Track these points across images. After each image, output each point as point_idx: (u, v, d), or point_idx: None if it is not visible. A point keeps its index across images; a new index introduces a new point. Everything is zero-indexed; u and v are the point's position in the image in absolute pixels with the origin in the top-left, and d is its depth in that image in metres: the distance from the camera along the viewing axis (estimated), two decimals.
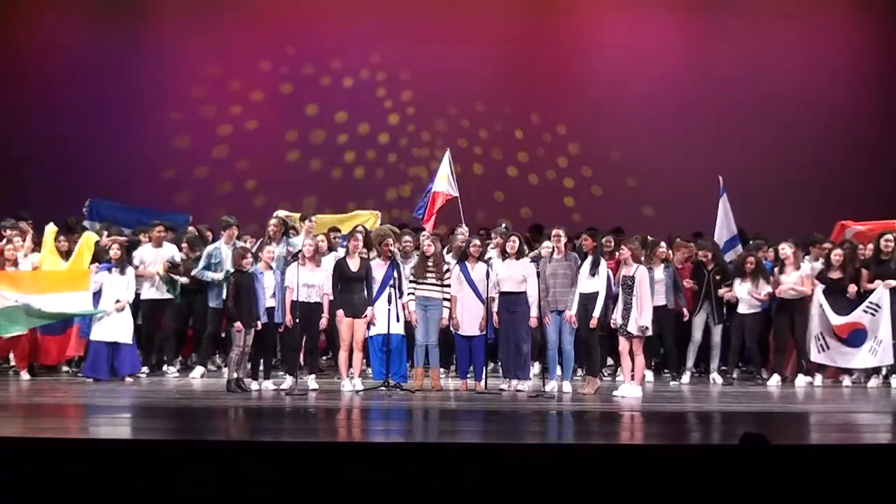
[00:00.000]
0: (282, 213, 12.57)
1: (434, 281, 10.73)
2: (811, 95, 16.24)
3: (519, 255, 10.67)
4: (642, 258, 10.80)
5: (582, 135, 16.52)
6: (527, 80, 16.42)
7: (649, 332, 10.37)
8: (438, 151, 16.30)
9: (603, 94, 16.43)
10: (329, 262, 10.96)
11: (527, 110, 16.57)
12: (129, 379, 11.04)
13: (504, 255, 10.76)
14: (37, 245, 11.64)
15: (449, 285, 10.71)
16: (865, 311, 11.16)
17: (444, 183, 12.52)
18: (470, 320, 10.62)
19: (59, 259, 11.46)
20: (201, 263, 11.40)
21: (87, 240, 11.49)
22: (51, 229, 11.48)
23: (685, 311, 11.49)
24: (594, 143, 16.46)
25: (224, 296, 11.09)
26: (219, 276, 11.24)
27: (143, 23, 16.14)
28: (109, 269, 11.16)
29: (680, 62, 16.38)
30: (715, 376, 11.62)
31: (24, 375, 11.24)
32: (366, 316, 10.57)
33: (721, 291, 11.47)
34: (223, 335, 11.47)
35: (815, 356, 11.32)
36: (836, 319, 11.14)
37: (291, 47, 16.61)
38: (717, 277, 11.58)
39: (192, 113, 16.27)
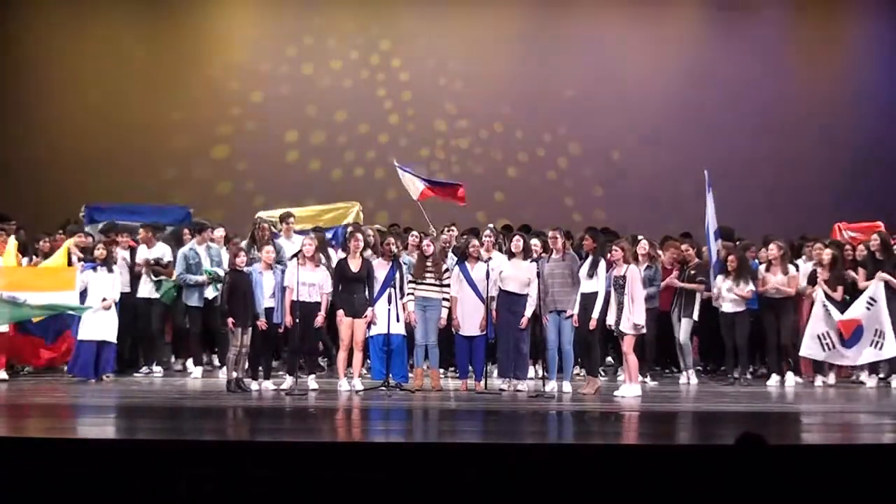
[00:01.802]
0: (263, 214, 12.58)
1: (433, 281, 10.72)
2: (812, 98, 16.29)
3: (525, 255, 10.66)
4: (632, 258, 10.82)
5: (582, 135, 16.53)
6: (527, 80, 16.43)
7: (643, 331, 10.36)
8: (439, 152, 16.38)
9: (603, 94, 16.44)
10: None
11: (527, 110, 16.57)
12: (104, 377, 11.04)
13: (510, 254, 10.75)
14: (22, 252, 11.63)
15: (447, 285, 10.71)
16: (864, 307, 11.18)
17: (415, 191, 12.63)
18: (470, 320, 10.62)
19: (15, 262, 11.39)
20: (179, 267, 11.50)
21: (61, 254, 11.43)
22: (13, 243, 11.41)
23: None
24: (594, 143, 16.47)
25: (205, 295, 11.41)
26: (200, 277, 11.35)
27: (143, 22, 16.13)
28: (94, 268, 11.16)
29: (681, 63, 16.39)
30: (690, 374, 11.55)
31: (2, 374, 11.17)
32: (366, 316, 10.57)
33: (694, 285, 11.45)
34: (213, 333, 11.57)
35: (821, 355, 11.32)
36: (839, 316, 11.16)
37: (291, 47, 16.61)
38: (693, 272, 11.59)
39: (192, 113, 16.27)
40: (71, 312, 11.09)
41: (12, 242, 11.35)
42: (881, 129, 16.29)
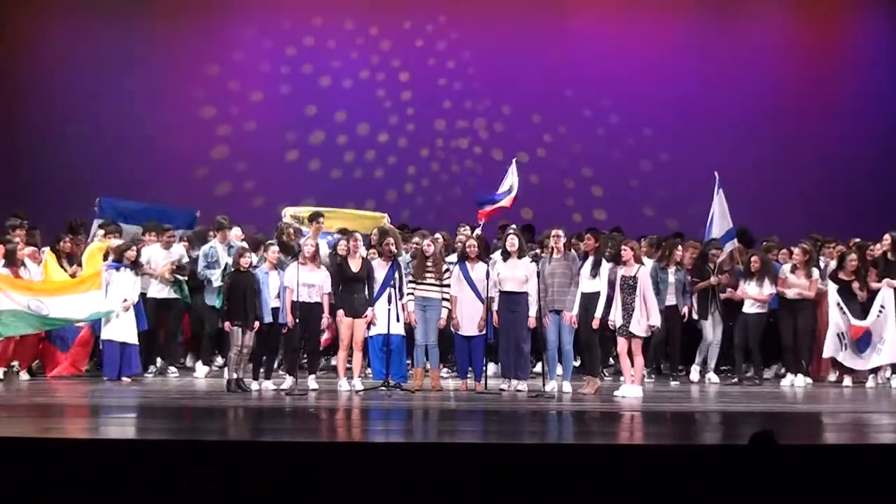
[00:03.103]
0: (290, 210, 12.54)
1: (433, 281, 10.72)
2: (815, 96, 16.27)
3: (520, 254, 10.65)
4: (644, 258, 10.83)
5: (582, 135, 16.52)
6: (526, 81, 16.41)
7: (646, 333, 10.34)
8: (439, 152, 16.37)
9: (603, 94, 16.44)
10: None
11: (527, 110, 16.56)
12: (125, 380, 11.03)
13: (505, 254, 10.75)
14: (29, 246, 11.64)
15: (447, 285, 10.71)
16: (875, 315, 11.23)
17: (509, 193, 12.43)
18: (470, 320, 10.61)
19: (63, 274, 11.46)
20: (200, 264, 11.52)
21: (96, 250, 11.47)
22: (49, 255, 11.45)
23: (685, 310, 11.51)
24: (594, 143, 16.46)
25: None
26: (217, 271, 11.33)
27: (143, 22, 16.12)
28: (117, 268, 11.17)
29: (681, 62, 16.37)
30: (711, 375, 11.61)
31: (24, 375, 11.23)
32: (366, 316, 10.57)
33: (725, 295, 11.50)
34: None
35: (839, 355, 11.35)
36: (852, 320, 11.20)
37: (291, 47, 16.61)
38: (720, 276, 11.60)
39: (192, 113, 16.27)
40: (93, 318, 11.13)
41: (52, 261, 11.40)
42: (881, 130, 16.27)
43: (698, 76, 16.34)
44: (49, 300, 10.90)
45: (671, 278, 11.44)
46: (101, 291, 11.04)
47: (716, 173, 12.01)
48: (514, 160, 12.65)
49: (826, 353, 11.42)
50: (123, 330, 11.08)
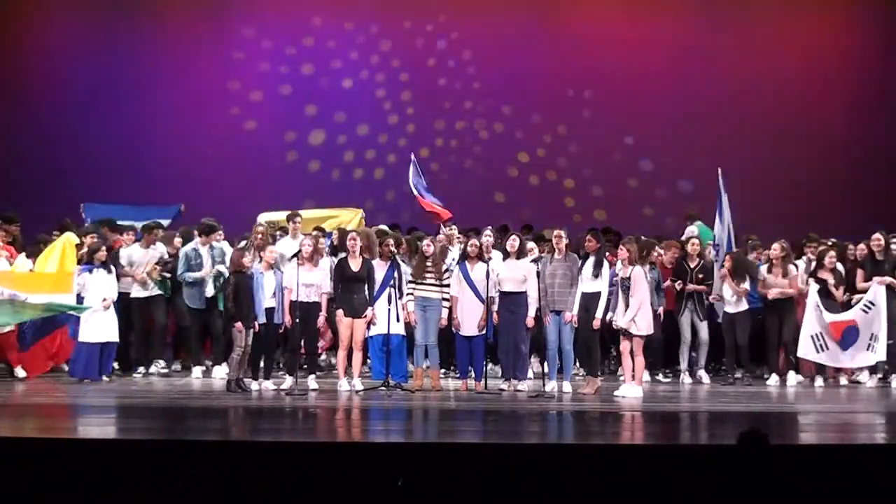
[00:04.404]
0: (265, 216, 12.54)
1: (433, 281, 10.73)
2: (816, 97, 16.27)
3: (520, 254, 10.65)
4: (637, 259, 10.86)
5: (582, 135, 16.53)
6: (526, 81, 16.43)
7: (645, 332, 10.34)
8: (439, 152, 16.37)
9: (603, 94, 16.45)
10: (322, 262, 10.95)
11: (527, 110, 16.58)
12: (104, 378, 11.03)
13: (505, 255, 10.76)
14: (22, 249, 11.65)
15: (447, 285, 10.71)
16: (860, 310, 11.19)
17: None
18: (470, 320, 10.62)
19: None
20: (181, 267, 11.50)
21: (69, 240, 11.46)
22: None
23: (660, 310, 11.48)
24: (594, 143, 16.47)
25: (205, 294, 11.40)
26: (199, 273, 11.36)
27: (143, 23, 16.13)
28: (90, 270, 11.16)
29: (681, 61, 16.38)
30: (702, 374, 11.60)
31: (20, 372, 11.17)
32: (366, 316, 10.57)
33: (712, 297, 11.52)
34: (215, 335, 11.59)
35: (815, 356, 11.32)
36: (830, 317, 11.17)
37: (291, 47, 16.62)
38: (700, 276, 11.61)
39: (191, 113, 16.26)
40: (71, 312, 11.10)
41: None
42: (880, 129, 16.28)
43: (699, 76, 16.34)
44: (22, 294, 10.89)
45: (647, 277, 11.38)
46: (71, 296, 11.01)
47: (719, 170, 11.99)
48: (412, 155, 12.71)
49: (799, 353, 11.37)
50: (104, 330, 11.05)
